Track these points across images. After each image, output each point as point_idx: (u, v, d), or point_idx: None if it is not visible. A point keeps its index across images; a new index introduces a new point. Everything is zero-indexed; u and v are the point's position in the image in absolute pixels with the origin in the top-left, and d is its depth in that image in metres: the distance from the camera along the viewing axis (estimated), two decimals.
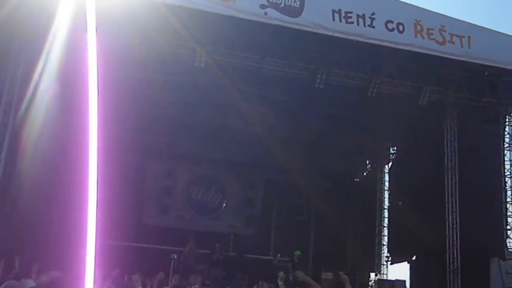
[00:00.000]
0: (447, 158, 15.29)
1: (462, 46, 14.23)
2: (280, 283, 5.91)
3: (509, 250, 15.18)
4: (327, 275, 16.16)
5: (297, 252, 16.09)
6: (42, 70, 12.09)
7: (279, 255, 18.15)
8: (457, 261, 14.42)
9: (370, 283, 20.47)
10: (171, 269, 13.87)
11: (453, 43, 14.19)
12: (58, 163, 14.48)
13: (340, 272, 5.99)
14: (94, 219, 1.39)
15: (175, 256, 14.93)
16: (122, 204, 16.99)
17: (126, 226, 17.33)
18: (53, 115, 13.23)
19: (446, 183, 15.13)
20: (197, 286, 10.82)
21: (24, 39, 12.71)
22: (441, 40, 14.11)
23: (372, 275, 20.82)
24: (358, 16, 13.50)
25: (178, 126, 18.00)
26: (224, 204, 20.44)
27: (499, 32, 14.89)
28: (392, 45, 13.84)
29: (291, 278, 15.24)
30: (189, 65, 13.69)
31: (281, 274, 6.08)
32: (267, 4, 12.90)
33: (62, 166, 14.56)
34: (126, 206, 17.71)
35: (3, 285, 4.70)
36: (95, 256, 1.40)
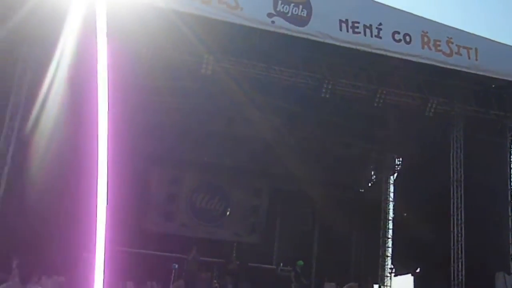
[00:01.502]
0: (453, 170, 15.20)
1: (469, 58, 14.20)
2: None
3: None
4: (331, 286, 16.06)
5: (300, 262, 16.01)
6: (52, 74, 12.16)
7: (282, 264, 18.05)
8: (461, 275, 14.29)
9: None
10: (172, 278, 13.82)
11: (460, 54, 14.17)
12: (66, 168, 14.51)
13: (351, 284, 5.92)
14: (103, 223, 1.38)
15: (176, 266, 14.89)
16: (125, 209, 16.95)
17: (128, 232, 17.26)
18: (63, 118, 13.29)
19: (451, 195, 15.03)
20: None
21: (34, 43, 12.80)
22: (448, 51, 14.09)
23: (376, 287, 20.66)
24: (365, 26, 13.51)
25: (184, 133, 17.99)
26: (228, 212, 20.37)
27: (506, 45, 14.87)
28: (399, 56, 13.84)
29: (293, 287, 15.23)
30: (196, 72, 13.72)
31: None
32: (274, 13, 12.94)
33: (70, 171, 14.59)
34: (130, 211, 17.66)
35: (3, 285, 4.66)
36: (103, 261, 1.39)
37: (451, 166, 15.23)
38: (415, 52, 13.88)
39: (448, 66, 14.13)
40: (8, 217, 12.85)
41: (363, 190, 22.71)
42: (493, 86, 15.41)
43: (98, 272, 1.32)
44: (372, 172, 22.70)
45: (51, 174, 13.76)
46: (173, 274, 14.26)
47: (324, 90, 14.34)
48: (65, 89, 12.46)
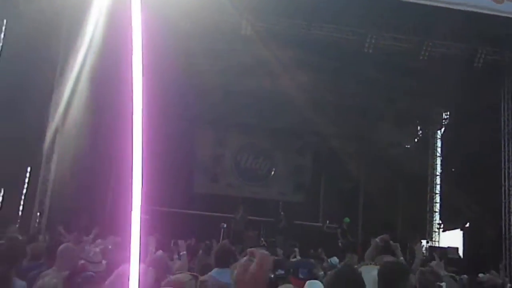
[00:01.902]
0: (504, 122, 14.70)
1: None
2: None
3: None
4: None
5: (346, 219, 16.10)
6: (88, 41, 12.38)
7: (328, 222, 18.20)
8: None
9: (422, 250, 20.23)
10: (221, 237, 14.20)
11: (511, 0, 13.43)
12: (115, 132, 14.97)
13: (384, 236, 5.89)
14: (139, 187, 1.43)
15: (225, 225, 15.28)
16: (173, 172, 17.42)
17: (177, 194, 17.78)
18: (101, 85, 13.60)
19: (502, 148, 14.60)
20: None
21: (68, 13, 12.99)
22: None
23: (424, 242, 20.56)
24: None
25: (227, 95, 18.07)
26: (273, 172, 20.58)
27: None
28: (444, 5, 13.22)
29: (340, 244, 15.37)
30: (236, 32, 13.65)
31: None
32: None
33: (120, 135, 15.00)
34: (177, 174, 18.14)
35: (62, 246, 4.89)
36: (140, 222, 1.44)
37: (502, 118, 14.73)
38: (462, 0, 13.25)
39: (498, 13, 13.41)
40: (62, 181, 13.44)
41: (409, 146, 22.35)
42: None
43: (134, 232, 1.37)
44: (418, 128, 22.26)
45: (101, 140, 14.23)
46: (221, 233, 14.66)
47: (367, 45, 14.02)
48: (99, 55, 12.67)
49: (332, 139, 20.09)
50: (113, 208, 17.21)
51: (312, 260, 6.62)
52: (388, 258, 4.61)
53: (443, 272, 5.01)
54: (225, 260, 4.99)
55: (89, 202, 15.66)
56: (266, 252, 2.35)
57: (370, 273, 4.03)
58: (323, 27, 14.03)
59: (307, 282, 3.69)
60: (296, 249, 10.36)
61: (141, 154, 1.44)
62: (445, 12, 13.42)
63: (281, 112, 18.95)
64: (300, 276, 4.07)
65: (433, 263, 5.25)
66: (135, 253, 1.34)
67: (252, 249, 2.38)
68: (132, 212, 1.42)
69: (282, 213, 16.70)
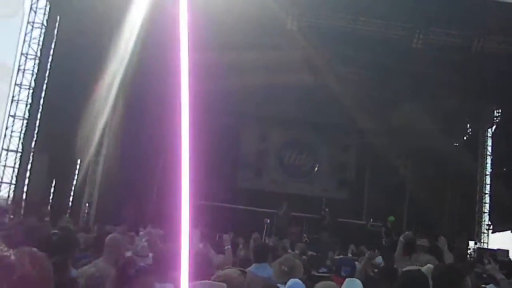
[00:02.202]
0: None
1: None
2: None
3: None
4: (423, 242, 15.74)
5: (391, 218, 15.81)
6: (135, 39, 12.66)
7: (372, 220, 17.95)
8: None
9: (469, 251, 19.66)
10: (264, 232, 14.25)
11: None
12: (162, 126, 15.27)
13: (440, 237, 5.76)
14: (187, 181, 1.46)
15: (268, 221, 15.33)
16: (218, 166, 17.61)
17: (221, 188, 17.96)
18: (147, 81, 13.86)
19: None
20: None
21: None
22: None
23: (471, 243, 19.99)
24: None
25: (271, 89, 18.08)
26: (316, 168, 20.46)
27: None
28: None
29: (384, 242, 15.12)
30: (282, 27, 13.64)
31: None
32: None
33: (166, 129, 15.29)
34: (222, 168, 18.33)
35: (110, 236, 5.01)
36: (189, 215, 1.48)
37: None
38: None
39: None
40: (110, 174, 13.84)
41: (457, 144, 21.74)
42: None
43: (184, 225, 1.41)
44: (468, 125, 21.61)
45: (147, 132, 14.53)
46: (265, 229, 14.71)
47: (415, 40, 13.72)
48: (146, 51, 12.91)
49: (378, 136, 19.78)
50: (159, 201, 17.58)
51: (355, 258, 6.56)
52: (424, 256, 4.48)
53: (499, 276, 4.85)
54: (263, 255, 5.05)
55: (136, 195, 16.04)
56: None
57: None
58: (370, 22, 13.81)
59: (346, 280, 3.67)
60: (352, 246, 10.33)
61: (188, 149, 1.47)
62: (497, 5, 12.95)
63: (326, 108, 18.79)
64: (342, 274, 4.06)
65: (488, 266, 5.07)
66: (185, 246, 1.38)
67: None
68: (181, 205, 1.46)
69: (326, 209, 16.59)
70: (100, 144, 13.29)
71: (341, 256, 8.47)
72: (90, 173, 13.32)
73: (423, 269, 4.21)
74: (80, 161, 15.70)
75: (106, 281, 3.06)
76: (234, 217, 16.66)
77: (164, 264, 3.68)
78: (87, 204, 13.25)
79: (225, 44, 14.50)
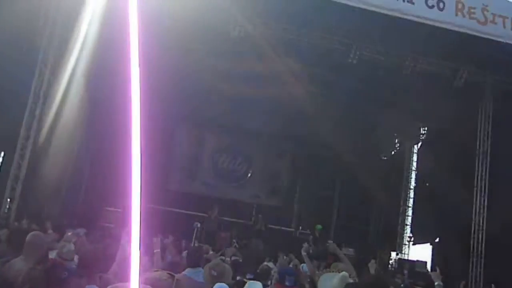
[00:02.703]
0: (479, 142, 14.99)
1: (504, 27, 13.70)
2: (303, 253, 5.91)
3: None
4: (348, 251, 16.22)
5: (318, 226, 16.18)
6: (83, 36, 12.27)
7: (300, 227, 18.29)
8: (481, 246, 14.29)
9: (390, 262, 20.48)
10: (194, 236, 14.16)
11: (495, 23, 13.68)
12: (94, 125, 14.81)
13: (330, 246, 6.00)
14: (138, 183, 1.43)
15: (198, 225, 15.24)
16: (149, 167, 17.26)
17: (152, 190, 17.58)
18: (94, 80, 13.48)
19: (476, 167, 14.88)
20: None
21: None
22: (483, 19, 13.61)
23: (393, 254, 20.82)
24: None
25: (210, 94, 18.06)
26: (250, 174, 20.58)
27: None
28: (431, 23, 13.41)
29: (311, 251, 15.43)
30: (226, 34, 13.62)
31: (305, 245, 6.08)
32: None
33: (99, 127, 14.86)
34: (154, 169, 17.97)
35: (32, 234, 4.78)
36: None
37: (478, 138, 15.02)
38: (448, 19, 13.42)
39: (482, 35, 13.67)
40: (38, 170, 13.24)
41: (386, 158, 22.63)
42: None
43: (134, 228, 1.38)
44: (396, 140, 22.55)
45: (79, 131, 14.07)
46: (194, 232, 14.60)
47: (351, 56, 14.15)
48: (93, 52, 12.56)
49: (312, 146, 20.26)
50: (86, 201, 17.04)
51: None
52: (341, 266, 4.58)
53: (438, 282, 5.08)
54: (197, 260, 5.02)
55: (62, 194, 15.46)
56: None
57: (331, 280, 4.00)
58: (312, 34, 14.10)
59: (248, 282, 3.70)
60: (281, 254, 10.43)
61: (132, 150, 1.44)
62: (430, 29, 13.63)
63: (262, 116, 19.01)
64: (287, 283, 4.06)
65: (433, 273, 5.32)
66: (135, 245, 1.35)
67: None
68: (124, 207, 1.42)
69: (259, 215, 16.69)
70: (26, 137, 12.65)
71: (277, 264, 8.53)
72: (14, 166, 12.64)
73: (337, 276, 4.35)
74: (4, 154, 14.93)
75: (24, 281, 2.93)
76: (164, 220, 16.38)
77: (91, 266, 3.57)
78: (8, 200, 12.56)
79: (167, 47, 14.31)
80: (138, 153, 1.42)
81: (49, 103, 12.83)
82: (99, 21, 11.89)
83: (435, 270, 5.69)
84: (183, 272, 4.90)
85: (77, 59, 12.56)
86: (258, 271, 5.76)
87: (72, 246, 4.85)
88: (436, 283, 5.06)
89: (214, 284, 3.96)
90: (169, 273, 3.05)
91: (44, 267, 2.87)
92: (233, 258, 8.76)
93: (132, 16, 1.47)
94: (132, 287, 1.33)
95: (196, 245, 11.79)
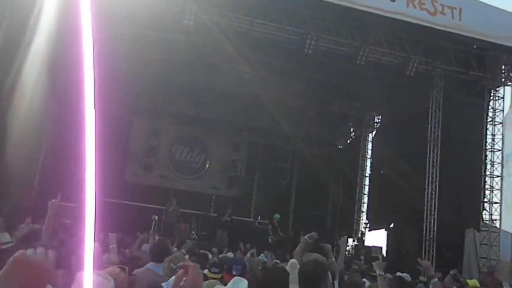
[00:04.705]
0: (431, 129, 15.47)
1: (453, 17, 14.18)
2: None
3: (485, 221, 15.59)
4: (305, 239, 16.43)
5: (276, 216, 16.31)
6: (33, 25, 11.86)
7: (259, 217, 18.39)
8: (433, 230, 14.79)
9: (347, 248, 20.90)
10: (152, 229, 14.01)
11: (444, 14, 14.13)
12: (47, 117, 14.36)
13: (322, 244, 6.07)
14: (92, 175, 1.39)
15: (156, 217, 15.09)
16: (105, 159, 16.89)
17: (108, 183, 17.26)
18: (47, 70, 13.07)
19: (428, 154, 15.35)
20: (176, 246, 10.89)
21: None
22: (432, 10, 14.03)
23: (350, 240, 21.23)
24: None
25: (165, 84, 17.80)
26: (208, 165, 20.49)
27: (491, 6, 14.85)
28: (383, 13, 13.71)
29: (270, 240, 15.59)
30: (179, 22, 13.44)
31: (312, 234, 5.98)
32: None
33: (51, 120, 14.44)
34: (110, 162, 17.62)
35: None
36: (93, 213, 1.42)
37: (429, 125, 15.49)
38: (400, 9, 13.77)
39: (432, 25, 14.09)
40: None
41: (341, 147, 23.00)
42: (475, 47, 15.48)
43: (89, 222, 1.35)
44: (351, 129, 22.94)
45: (32, 125, 13.62)
46: (153, 225, 14.45)
47: (307, 46, 14.26)
48: (48, 41, 12.16)
49: (268, 135, 20.38)
50: (39, 195, 16.52)
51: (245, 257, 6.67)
52: (316, 257, 4.68)
53: (379, 271, 5.17)
54: (161, 255, 4.99)
55: (14, 187, 14.94)
56: (198, 269, 2.35)
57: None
58: (266, 24, 14.11)
59: (234, 278, 3.75)
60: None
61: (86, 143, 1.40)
62: (383, 20, 13.92)
63: (220, 106, 18.92)
64: (234, 272, 4.12)
65: (376, 262, 5.40)
66: (89, 242, 1.31)
67: (185, 265, 2.38)
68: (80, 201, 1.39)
69: (229, 210, 16.35)
70: None
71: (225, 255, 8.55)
72: None
73: (288, 264, 4.50)
74: None
75: None
76: (121, 213, 16.13)
77: None
78: None
79: (121, 36, 14.02)
80: (92, 146, 1.38)
81: None
82: (52, 9, 11.50)
83: (388, 255, 5.84)
84: (146, 266, 4.87)
85: (28, 51, 12.12)
86: (216, 261, 5.75)
87: (8, 238, 4.77)
88: (378, 272, 5.16)
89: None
90: (120, 267, 2.99)
91: None
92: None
93: (84, 4, 1.43)
94: (86, 280, 1.30)
95: (157, 238, 11.65)
